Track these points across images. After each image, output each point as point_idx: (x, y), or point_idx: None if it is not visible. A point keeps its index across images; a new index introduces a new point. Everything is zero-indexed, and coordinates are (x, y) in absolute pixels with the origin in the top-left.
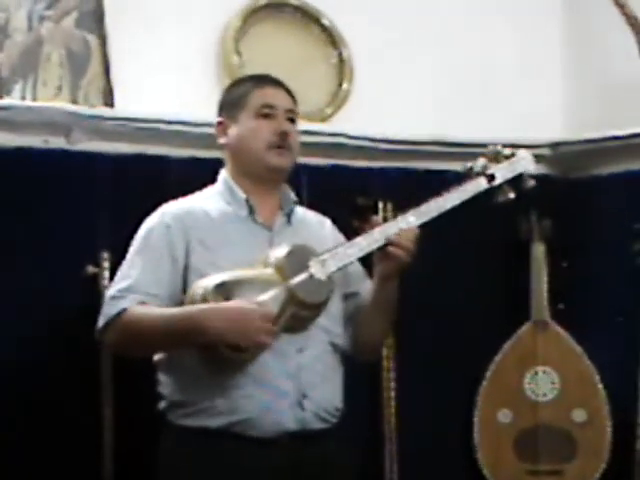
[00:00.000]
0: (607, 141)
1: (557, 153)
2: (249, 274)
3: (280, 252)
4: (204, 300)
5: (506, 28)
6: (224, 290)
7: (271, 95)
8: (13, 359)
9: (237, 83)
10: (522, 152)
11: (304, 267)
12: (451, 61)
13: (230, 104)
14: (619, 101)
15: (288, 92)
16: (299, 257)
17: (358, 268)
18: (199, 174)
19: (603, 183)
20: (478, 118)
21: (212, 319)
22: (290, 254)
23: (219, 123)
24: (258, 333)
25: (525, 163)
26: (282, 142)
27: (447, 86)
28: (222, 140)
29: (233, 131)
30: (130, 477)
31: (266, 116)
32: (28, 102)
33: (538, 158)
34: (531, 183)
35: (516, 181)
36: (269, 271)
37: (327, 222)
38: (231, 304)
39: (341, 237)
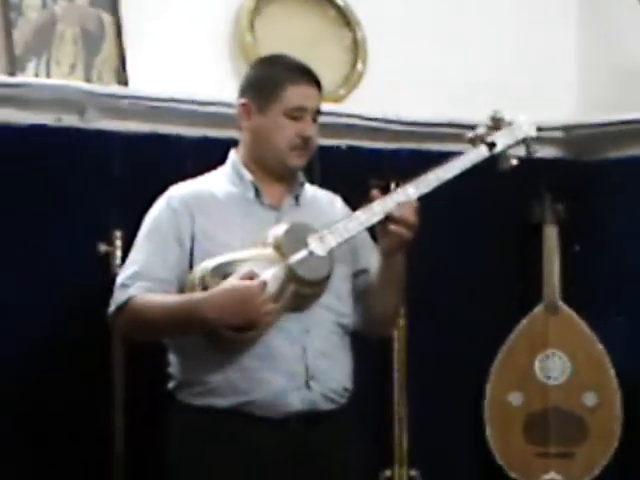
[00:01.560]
0: (620, 124)
1: (570, 136)
2: (248, 254)
3: (278, 230)
4: (202, 282)
5: (521, 10)
6: (221, 272)
7: (305, 96)
8: (25, 337)
9: (268, 65)
10: (522, 117)
11: (303, 244)
12: (464, 42)
13: (260, 89)
14: (633, 84)
15: (319, 88)
16: (298, 235)
17: (366, 243)
18: (212, 153)
19: (616, 166)
20: (491, 100)
21: (209, 305)
22: (288, 232)
23: (243, 104)
24: (257, 308)
25: (526, 128)
26: (304, 145)
27: (461, 68)
28: (245, 123)
29: (259, 120)
30: (141, 456)
31: (296, 117)
32: (42, 80)
33: (551, 141)
34: (535, 148)
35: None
36: (268, 250)
37: (337, 199)
38: (223, 286)
39: (352, 214)
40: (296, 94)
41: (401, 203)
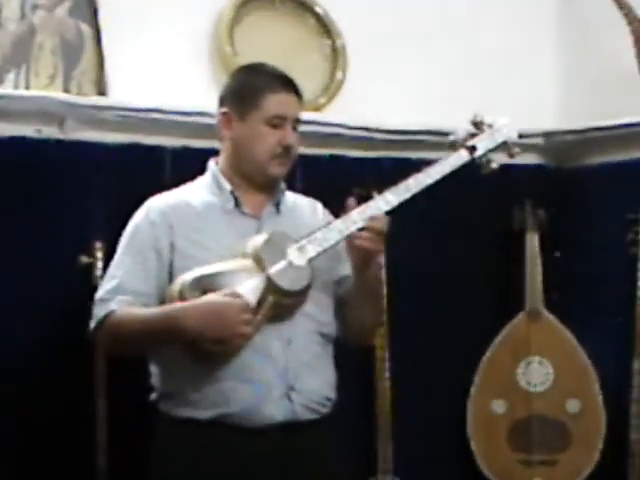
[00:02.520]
0: (600, 131)
1: (550, 143)
2: (227, 266)
3: (257, 241)
4: (181, 295)
5: (500, 18)
6: (201, 285)
7: (286, 104)
8: (5, 350)
9: (248, 74)
10: (502, 120)
11: (282, 254)
12: (444, 50)
13: (240, 98)
14: (612, 91)
15: (299, 96)
16: (277, 245)
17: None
18: (192, 163)
19: (596, 173)
20: (472, 107)
21: (188, 318)
22: (267, 242)
23: (223, 113)
24: (236, 325)
25: (506, 131)
26: (285, 154)
27: (440, 75)
28: (225, 132)
29: (239, 128)
30: (124, 468)
31: (276, 125)
32: (21, 91)
33: (532, 148)
34: (516, 150)
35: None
36: (247, 261)
37: (318, 205)
38: (205, 299)
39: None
40: (276, 102)
41: (373, 217)
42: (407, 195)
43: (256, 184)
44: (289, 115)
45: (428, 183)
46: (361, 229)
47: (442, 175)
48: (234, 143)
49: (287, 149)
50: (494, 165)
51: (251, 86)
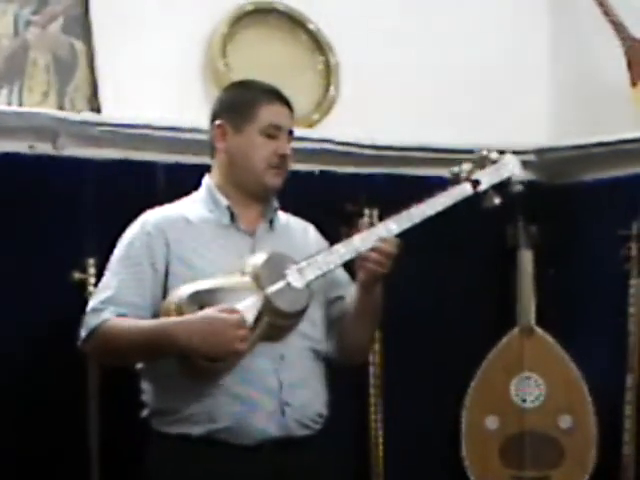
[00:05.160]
0: (592, 147)
1: (543, 159)
2: (225, 282)
3: (257, 260)
4: (178, 310)
5: (492, 35)
6: (198, 299)
7: (280, 114)
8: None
9: (242, 88)
10: (508, 156)
11: (281, 275)
12: (437, 67)
13: (234, 110)
14: (604, 107)
15: (291, 110)
16: (276, 265)
17: (343, 273)
18: (185, 180)
19: (589, 189)
20: (464, 124)
21: (183, 332)
22: (267, 262)
23: (219, 125)
24: (231, 341)
25: (511, 167)
26: (281, 164)
27: (433, 92)
28: (220, 145)
29: (235, 140)
30: None
31: (271, 136)
32: (14, 107)
33: (524, 164)
34: (518, 187)
35: (503, 186)
36: (246, 279)
37: (311, 228)
38: (201, 314)
39: (325, 243)
40: (271, 112)
41: (381, 239)
42: (409, 224)
43: (252, 195)
44: (284, 125)
45: (430, 214)
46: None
47: (444, 207)
48: (229, 155)
49: (283, 159)
50: (496, 200)
51: (246, 98)
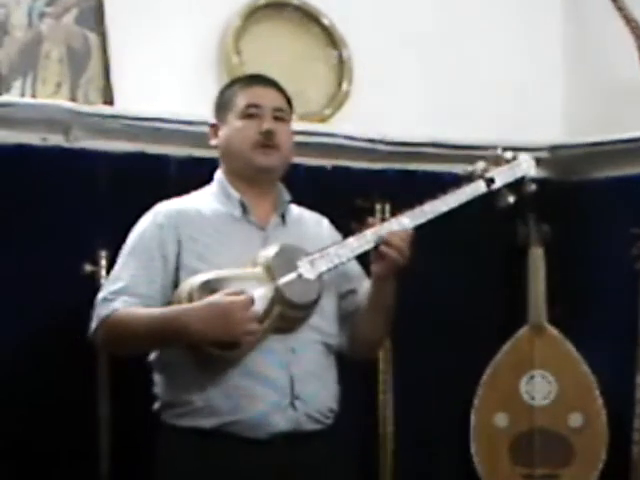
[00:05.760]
0: (606, 145)
1: (556, 156)
2: (237, 272)
3: (269, 251)
4: (190, 298)
5: (506, 30)
6: (210, 287)
7: (257, 95)
8: (10, 358)
9: (229, 85)
10: (523, 156)
11: (293, 267)
12: (451, 63)
13: (220, 106)
14: (618, 104)
15: (279, 90)
16: (288, 257)
17: (356, 267)
18: (198, 173)
19: (602, 187)
20: (477, 120)
21: (192, 318)
22: (279, 253)
23: (212, 126)
24: (240, 324)
25: (526, 167)
26: (267, 141)
27: (446, 88)
28: (213, 142)
29: (222, 133)
30: (127, 477)
31: (252, 116)
32: (27, 99)
33: (537, 161)
34: (532, 187)
35: (517, 185)
36: (257, 270)
37: (324, 221)
38: (208, 300)
39: (338, 236)
40: (247, 95)
41: (396, 231)
42: (422, 220)
43: (254, 182)
44: (262, 104)
45: (444, 210)
46: (375, 247)
47: (458, 204)
48: (222, 148)
49: (267, 136)
50: (510, 199)
51: (227, 92)
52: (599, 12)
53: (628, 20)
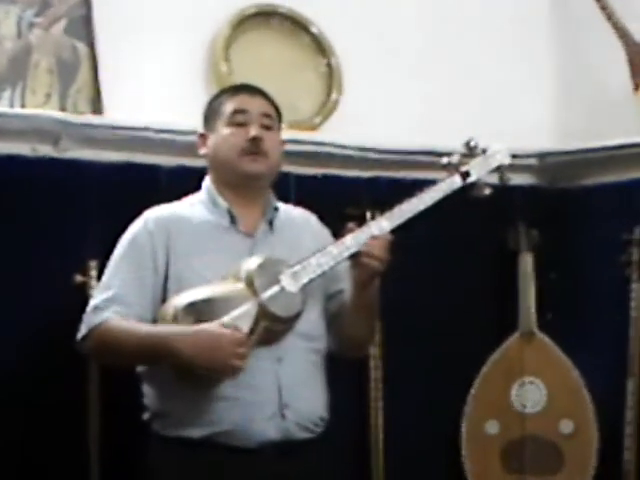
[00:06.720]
0: (594, 152)
1: (545, 163)
2: (220, 291)
3: (250, 265)
4: (175, 319)
5: (494, 39)
6: (194, 310)
7: (244, 101)
8: (0, 369)
9: (217, 95)
10: (496, 145)
11: (275, 280)
12: (440, 71)
13: (208, 116)
14: (606, 112)
15: (266, 98)
16: (270, 270)
17: (342, 267)
18: (187, 182)
19: (591, 193)
20: (467, 128)
21: (182, 344)
22: (260, 267)
23: (200, 135)
24: (229, 358)
25: (500, 157)
26: (254, 148)
27: (436, 96)
28: (201, 151)
29: (210, 142)
30: None
31: (239, 124)
32: (17, 109)
33: (526, 168)
34: (508, 176)
35: (470, 189)
36: (240, 286)
37: (312, 218)
38: (201, 328)
39: (327, 233)
40: (233, 102)
41: (374, 237)
42: (400, 220)
43: (241, 190)
44: (249, 110)
45: (421, 208)
46: (355, 255)
47: (435, 200)
48: (210, 157)
49: (255, 143)
50: (487, 191)
51: (215, 101)
52: (588, 20)
53: (617, 27)
